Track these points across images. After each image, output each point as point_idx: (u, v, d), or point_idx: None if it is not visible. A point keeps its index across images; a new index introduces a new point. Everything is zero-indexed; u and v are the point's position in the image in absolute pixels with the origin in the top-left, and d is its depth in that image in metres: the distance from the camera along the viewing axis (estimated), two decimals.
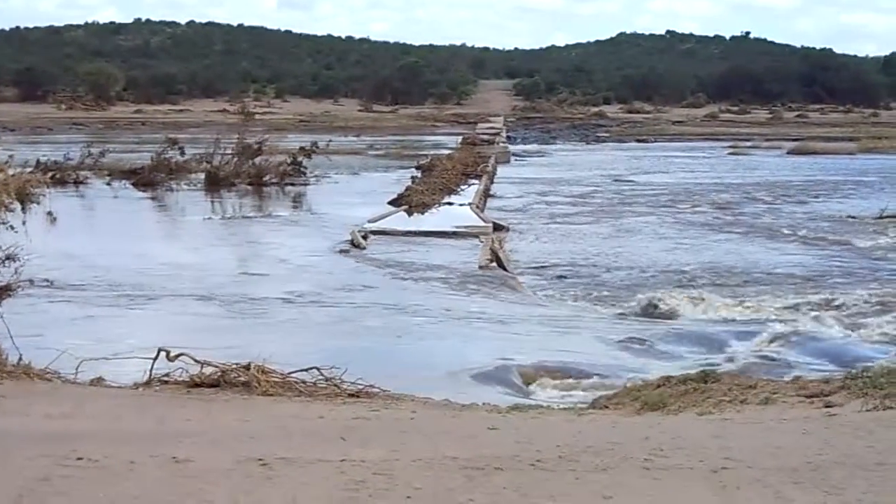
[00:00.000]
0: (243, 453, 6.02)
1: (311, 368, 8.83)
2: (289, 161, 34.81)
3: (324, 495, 5.35)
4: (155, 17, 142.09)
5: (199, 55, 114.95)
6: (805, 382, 9.03)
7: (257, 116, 50.36)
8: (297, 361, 9.13)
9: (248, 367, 8.67)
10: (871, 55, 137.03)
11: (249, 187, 32.68)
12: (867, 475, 5.86)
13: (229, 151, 33.99)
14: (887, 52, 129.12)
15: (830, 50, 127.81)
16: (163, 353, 8.80)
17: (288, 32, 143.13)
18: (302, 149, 35.70)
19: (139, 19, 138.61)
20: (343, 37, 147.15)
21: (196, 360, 8.77)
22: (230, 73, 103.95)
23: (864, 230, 25.02)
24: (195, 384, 8.55)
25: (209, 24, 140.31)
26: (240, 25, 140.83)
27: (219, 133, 35.33)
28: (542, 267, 19.96)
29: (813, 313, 15.56)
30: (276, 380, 8.67)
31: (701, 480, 5.72)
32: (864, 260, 21.00)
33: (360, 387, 8.69)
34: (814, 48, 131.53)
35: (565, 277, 18.94)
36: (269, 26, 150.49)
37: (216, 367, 8.71)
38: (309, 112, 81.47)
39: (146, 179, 32.68)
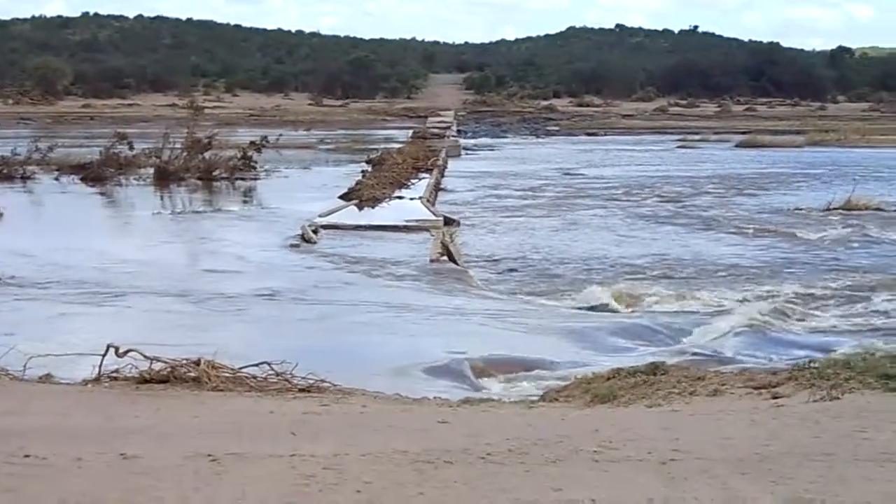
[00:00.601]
0: (192, 449, 6.01)
1: (262, 363, 8.81)
2: (239, 155, 34.68)
3: (274, 490, 5.34)
4: (103, 11, 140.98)
5: (147, 49, 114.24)
6: (753, 374, 9.10)
7: (207, 111, 50.11)
8: (247, 357, 9.10)
9: (198, 363, 8.63)
10: (818, 49, 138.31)
11: (199, 182, 32.51)
12: (814, 465, 5.93)
13: (179, 146, 33.79)
14: (833, 46, 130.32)
15: (777, 44, 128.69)
16: (112, 350, 8.75)
17: (237, 26, 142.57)
18: (252, 143, 35.58)
19: (87, 13, 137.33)
20: (293, 31, 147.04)
21: (146, 357, 8.72)
22: (179, 68, 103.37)
23: (812, 222, 25.21)
24: (145, 380, 8.51)
25: (157, 18, 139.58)
26: (189, 19, 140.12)
27: (168, 127, 35.10)
28: (493, 260, 19.97)
29: (761, 305, 15.67)
30: (227, 375, 8.65)
31: (650, 472, 5.76)
32: (812, 252, 21.16)
33: (311, 381, 8.68)
34: (761, 42, 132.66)
35: (516, 271, 18.96)
36: (219, 20, 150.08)
37: (166, 363, 8.66)
38: (259, 106, 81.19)
39: (95, 174, 32.43)
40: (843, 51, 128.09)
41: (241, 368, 8.76)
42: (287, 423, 7.01)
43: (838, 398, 7.63)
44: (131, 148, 33.93)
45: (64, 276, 16.73)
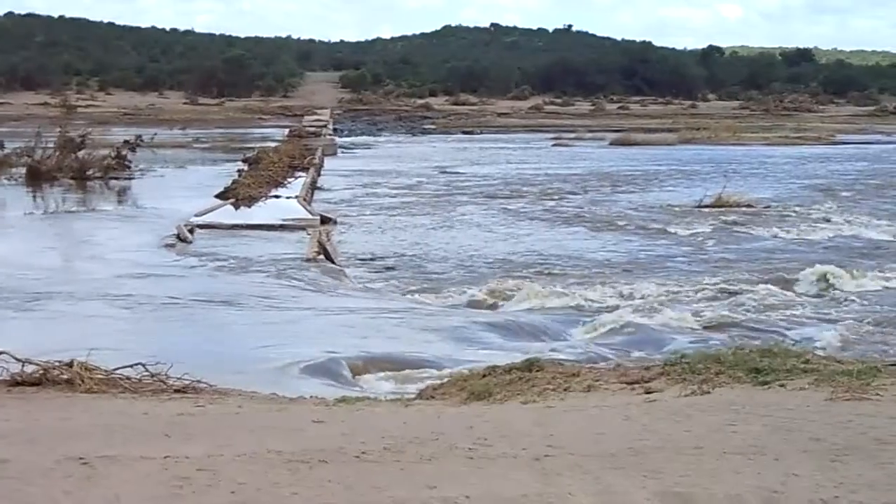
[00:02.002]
0: (64, 452, 5.92)
1: (137, 364, 8.69)
2: (113, 155, 34.15)
3: (147, 493, 5.29)
4: None
5: (18, 47, 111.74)
6: (626, 369, 9.22)
7: (80, 109, 49.51)
8: (122, 358, 8.99)
9: (70, 365, 8.49)
10: (689, 48, 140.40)
11: (73, 182, 31.95)
12: (685, 459, 6.03)
13: (51, 145, 33.21)
14: (704, 45, 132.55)
15: (650, 43, 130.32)
16: None
17: (111, 24, 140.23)
18: (126, 142, 35.10)
19: None
20: (167, 29, 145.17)
21: (17, 359, 8.56)
22: (51, 66, 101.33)
23: (684, 219, 25.59)
24: (16, 383, 8.34)
25: (29, 15, 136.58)
26: (61, 17, 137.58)
27: (40, 126, 34.42)
28: (370, 259, 19.99)
29: (634, 301, 15.90)
30: (101, 377, 8.51)
31: (524, 468, 5.81)
32: (684, 248, 21.50)
33: (187, 382, 8.60)
34: (634, 41, 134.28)
35: (394, 269, 18.99)
36: (92, 18, 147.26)
37: (38, 365, 8.51)
38: (133, 105, 80.00)
39: None
40: (713, 50, 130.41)
41: (115, 370, 8.63)
42: (161, 424, 6.95)
43: (709, 392, 7.76)
44: (2, 147, 33.33)
45: None
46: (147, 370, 8.65)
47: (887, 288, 17.53)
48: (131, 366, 8.68)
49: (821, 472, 5.81)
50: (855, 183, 35.58)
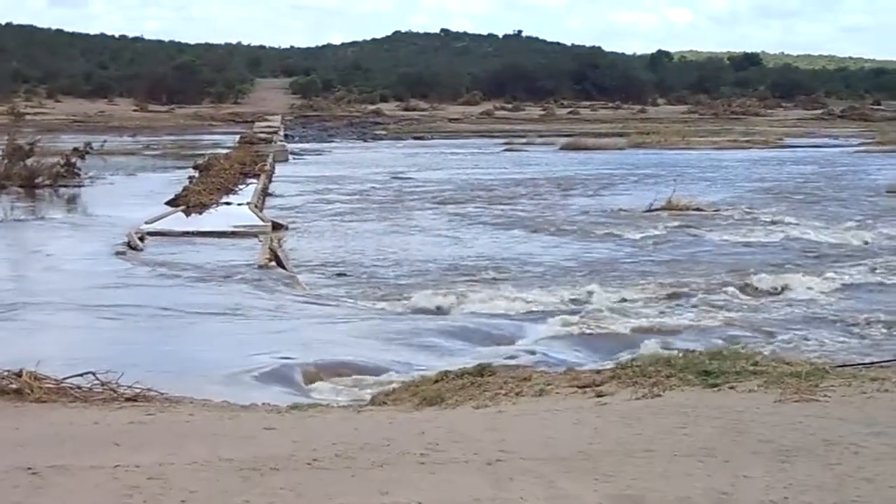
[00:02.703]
0: (12, 462, 5.88)
1: (87, 373, 8.63)
2: (62, 162, 33.87)
3: (97, 503, 5.26)
4: None
5: None
6: (578, 373, 9.25)
7: (28, 117, 49.02)
8: (73, 367, 8.92)
9: (19, 374, 8.43)
10: (639, 53, 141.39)
11: (21, 190, 31.68)
12: (636, 462, 6.07)
13: None
14: (653, 50, 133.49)
15: (599, 48, 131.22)
16: None
17: (59, 31, 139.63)
18: (76, 150, 34.79)
19: None
20: (116, 35, 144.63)
21: None
22: None
23: (635, 223, 25.69)
24: None
25: None
26: (8, 24, 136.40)
27: None
28: (322, 265, 19.95)
29: (586, 305, 15.96)
30: (50, 386, 8.45)
31: (476, 473, 5.83)
32: (635, 251, 21.60)
33: (138, 390, 8.54)
34: (584, 46, 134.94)
35: (345, 275, 18.97)
36: (40, 25, 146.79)
37: None
38: (83, 112, 79.35)
39: None
40: (662, 55, 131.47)
41: (65, 379, 8.57)
42: (111, 433, 6.91)
43: (660, 395, 7.80)
44: None
45: None
46: (98, 379, 8.59)
47: (835, 289, 17.67)
48: (82, 375, 8.61)
49: (770, 473, 5.86)
50: (803, 186, 35.86)
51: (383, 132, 71.15)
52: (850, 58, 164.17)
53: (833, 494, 5.55)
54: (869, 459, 6.10)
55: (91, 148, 34.91)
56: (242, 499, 5.33)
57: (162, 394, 8.61)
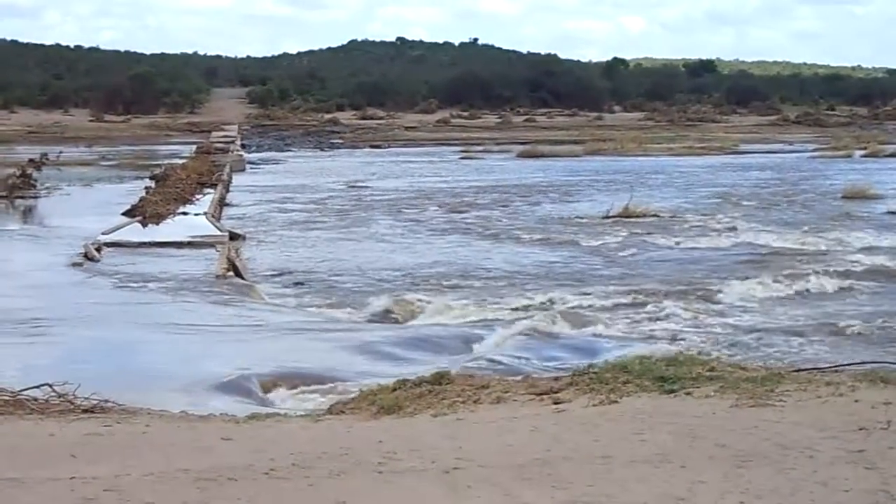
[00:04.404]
0: None
1: (43, 385, 8.59)
2: (18, 174, 33.70)
3: None
4: None
5: None
6: (535, 381, 9.26)
7: None
8: (29, 379, 8.89)
9: None
10: (594, 60, 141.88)
11: None
12: (593, 468, 6.10)
13: None
14: (609, 58, 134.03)
15: (555, 56, 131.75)
16: None
17: (14, 42, 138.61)
18: (31, 161, 34.66)
19: None
20: (72, 45, 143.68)
21: None
22: None
23: (592, 230, 25.80)
24: None
25: None
26: None
27: None
28: (280, 274, 19.93)
29: (543, 312, 16.00)
30: (6, 398, 8.41)
31: (433, 481, 5.85)
32: (592, 258, 21.68)
33: (95, 402, 8.50)
34: (539, 54, 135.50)
35: (303, 284, 18.95)
36: None
37: None
38: (38, 123, 78.81)
39: None
40: (617, 62, 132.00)
41: (21, 391, 8.53)
42: (68, 445, 6.88)
43: (617, 402, 7.84)
44: None
45: None
46: (54, 391, 8.55)
47: (789, 295, 17.79)
48: (38, 387, 8.57)
49: (726, 478, 5.90)
50: (759, 191, 36.10)
51: (340, 141, 71.10)
52: (805, 63, 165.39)
53: (788, 499, 5.60)
54: (823, 463, 6.15)
55: (47, 159, 34.80)
56: None
57: (119, 405, 8.58)
